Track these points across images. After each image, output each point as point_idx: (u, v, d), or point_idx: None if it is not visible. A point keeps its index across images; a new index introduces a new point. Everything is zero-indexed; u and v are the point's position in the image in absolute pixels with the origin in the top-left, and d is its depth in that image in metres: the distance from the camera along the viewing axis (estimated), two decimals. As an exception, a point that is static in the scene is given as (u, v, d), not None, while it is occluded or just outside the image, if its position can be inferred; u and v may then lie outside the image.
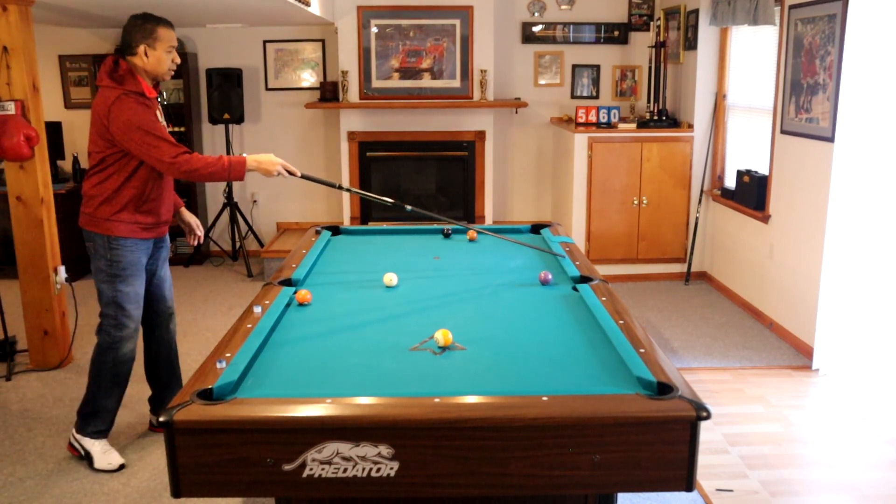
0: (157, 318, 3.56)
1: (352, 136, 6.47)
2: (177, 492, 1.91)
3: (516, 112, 6.76)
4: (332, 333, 2.54)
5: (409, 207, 3.39)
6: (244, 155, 3.22)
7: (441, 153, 6.60)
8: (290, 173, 3.25)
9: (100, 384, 3.33)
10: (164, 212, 3.38)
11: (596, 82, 6.72)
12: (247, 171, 3.17)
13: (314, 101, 6.46)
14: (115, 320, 3.29)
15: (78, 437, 3.38)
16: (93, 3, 4.67)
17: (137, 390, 3.87)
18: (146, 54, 3.18)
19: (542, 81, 6.73)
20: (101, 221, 3.22)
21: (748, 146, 5.53)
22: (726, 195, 5.72)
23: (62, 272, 4.38)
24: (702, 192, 6.01)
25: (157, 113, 3.28)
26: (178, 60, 3.30)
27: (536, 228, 4.07)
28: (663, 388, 2.01)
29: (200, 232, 3.67)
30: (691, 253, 6.07)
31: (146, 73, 3.23)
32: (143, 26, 3.18)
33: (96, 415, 3.35)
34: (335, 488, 1.89)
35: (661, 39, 6.08)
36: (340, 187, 3.43)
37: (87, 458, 3.34)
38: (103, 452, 3.32)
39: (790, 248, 4.75)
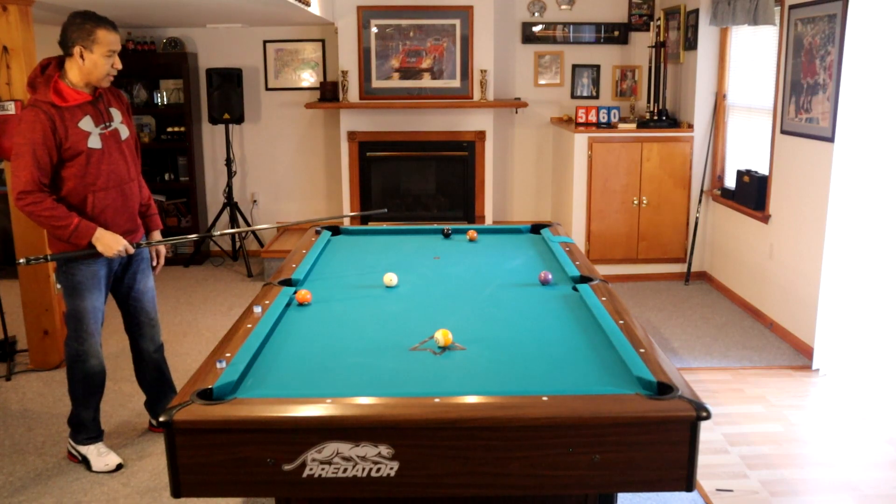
0: (139, 329, 3.46)
1: (352, 136, 6.47)
2: (177, 492, 1.91)
3: (516, 112, 6.76)
4: (332, 333, 2.54)
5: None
6: (96, 227, 3.05)
7: (441, 153, 6.60)
8: (127, 250, 3.13)
9: (76, 396, 3.32)
10: (117, 225, 3.16)
11: (596, 82, 6.72)
12: (88, 242, 3.02)
13: (314, 101, 6.45)
14: (75, 333, 3.22)
15: (73, 444, 3.38)
16: (93, 3, 4.66)
17: (137, 389, 3.86)
18: (81, 56, 2.92)
19: (542, 81, 6.72)
20: (55, 242, 3.12)
21: (748, 146, 5.52)
22: (726, 195, 5.72)
23: (62, 272, 4.37)
24: (702, 192, 6.01)
25: (88, 119, 3.03)
26: (119, 66, 3.02)
27: (536, 228, 4.06)
28: (663, 388, 2.01)
29: (157, 262, 3.48)
30: (691, 253, 6.06)
31: (80, 78, 2.99)
32: (81, 25, 2.91)
33: (82, 424, 3.35)
34: (335, 488, 1.89)
35: (661, 39, 6.08)
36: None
37: (84, 463, 3.34)
38: (99, 455, 3.32)
39: (790, 248, 4.74)
